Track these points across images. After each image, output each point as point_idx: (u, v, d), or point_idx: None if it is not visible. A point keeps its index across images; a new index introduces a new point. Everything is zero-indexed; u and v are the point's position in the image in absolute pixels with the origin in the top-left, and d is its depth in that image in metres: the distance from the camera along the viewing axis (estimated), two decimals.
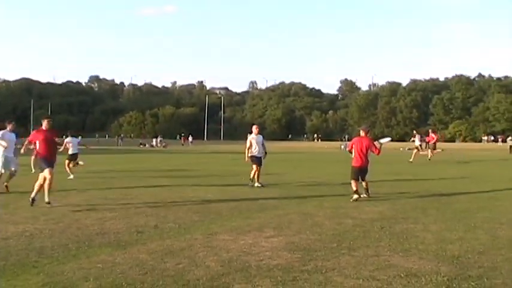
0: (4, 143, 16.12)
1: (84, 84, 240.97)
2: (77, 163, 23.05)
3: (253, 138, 18.59)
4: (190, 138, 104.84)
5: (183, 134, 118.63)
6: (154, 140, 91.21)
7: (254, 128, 18.87)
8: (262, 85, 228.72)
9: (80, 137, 33.11)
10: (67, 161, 22.03)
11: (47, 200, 13.08)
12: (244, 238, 9.04)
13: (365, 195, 14.69)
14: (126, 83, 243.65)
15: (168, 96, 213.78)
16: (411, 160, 35.31)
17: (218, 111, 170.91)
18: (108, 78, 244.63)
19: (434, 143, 38.31)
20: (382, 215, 11.82)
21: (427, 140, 39.69)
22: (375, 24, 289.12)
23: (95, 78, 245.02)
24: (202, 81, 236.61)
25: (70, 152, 22.57)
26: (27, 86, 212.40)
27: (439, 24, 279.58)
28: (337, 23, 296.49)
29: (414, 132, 43.06)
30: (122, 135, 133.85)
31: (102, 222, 10.71)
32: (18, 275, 6.75)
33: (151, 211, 12.23)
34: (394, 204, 13.58)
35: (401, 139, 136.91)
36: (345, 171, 19.28)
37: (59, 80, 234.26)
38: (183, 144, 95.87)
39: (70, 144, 22.56)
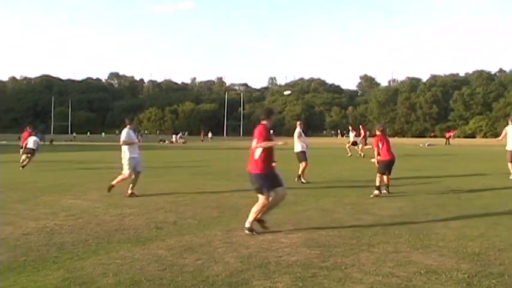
0: (134, 141, 15.33)
1: (104, 81, 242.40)
2: None
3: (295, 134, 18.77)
4: (209, 134, 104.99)
5: (202, 130, 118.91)
6: (174, 136, 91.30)
7: (298, 124, 19.01)
8: (281, 81, 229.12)
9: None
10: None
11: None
12: (263, 234, 9.03)
13: (385, 192, 14.61)
14: (146, 80, 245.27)
15: (188, 92, 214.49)
16: (349, 155, 36.22)
17: (237, 107, 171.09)
18: (128, 74, 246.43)
19: (365, 139, 38.30)
20: (401, 211, 11.75)
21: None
22: (394, 19, 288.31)
23: (114, 75, 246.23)
24: (221, 78, 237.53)
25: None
26: (47, 83, 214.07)
27: (459, 19, 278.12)
28: (357, 19, 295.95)
29: (350, 127, 42.81)
30: (146, 131, 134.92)
31: (121, 218, 10.75)
32: (39, 270, 6.80)
33: (170, 207, 12.26)
34: (414, 200, 13.49)
35: (421, 135, 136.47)
36: (364, 166, 19.29)
37: (79, 77, 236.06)
38: (202, 140, 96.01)
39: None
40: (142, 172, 15.16)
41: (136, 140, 15.52)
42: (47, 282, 6.28)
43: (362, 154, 35.20)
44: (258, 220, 9.48)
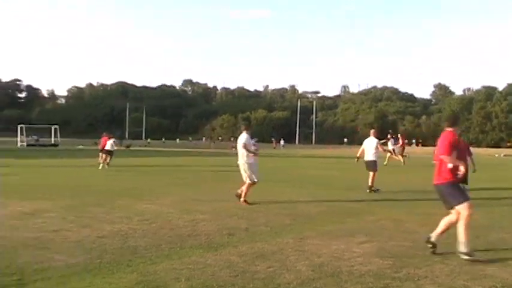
0: (254, 149, 15.17)
1: (177, 87, 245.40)
2: None
3: (365, 141, 18.64)
4: (282, 142, 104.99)
5: (273, 138, 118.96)
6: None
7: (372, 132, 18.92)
8: (354, 89, 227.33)
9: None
10: None
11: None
12: (336, 243, 8.97)
13: None
14: (219, 87, 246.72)
15: (260, 99, 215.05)
16: (385, 163, 34.77)
17: (310, 115, 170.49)
18: (201, 81, 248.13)
19: (403, 147, 38.89)
20: (477, 223, 11.46)
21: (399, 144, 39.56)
22: (470, 28, 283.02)
23: (188, 82, 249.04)
24: (294, 85, 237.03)
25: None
26: (123, 89, 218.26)
27: None
28: (431, 28, 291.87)
29: (388, 135, 40.30)
30: (220, 138, 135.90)
31: (194, 223, 10.84)
32: (113, 273, 6.92)
33: (243, 213, 12.31)
34: (490, 212, 13.17)
35: (497, 145, 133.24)
36: None
37: (154, 84, 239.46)
38: (274, 148, 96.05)
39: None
40: (255, 181, 14.73)
41: (253, 147, 15.25)
42: (121, 284, 6.39)
43: (402, 161, 35.86)
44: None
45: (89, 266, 7.20)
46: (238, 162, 14.78)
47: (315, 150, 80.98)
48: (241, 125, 15.49)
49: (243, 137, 14.75)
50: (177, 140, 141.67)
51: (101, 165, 29.40)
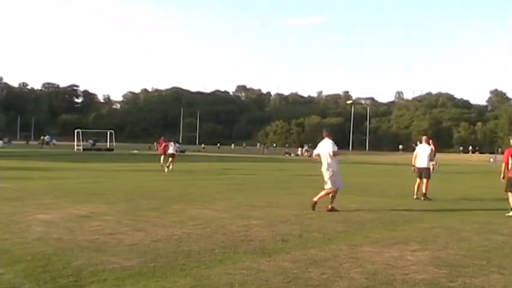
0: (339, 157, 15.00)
1: (231, 93, 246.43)
2: None
3: (418, 148, 18.46)
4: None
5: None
6: (299, 149, 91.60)
7: (425, 139, 18.72)
8: (408, 95, 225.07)
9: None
10: None
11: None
12: (389, 251, 8.88)
13: None
14: (273, 93, 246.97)
15: (314, 105, 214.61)
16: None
17: (363, 121, 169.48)
18: (255, 87, 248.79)
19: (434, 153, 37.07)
20: None
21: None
22: None
23: (242, 88, 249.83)
24: (348, 91, 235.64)
25: None
26: (177, 95, 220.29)
27: None
28: (488, 33, 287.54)
29: (418, 142, 40.35)
30: (275, 144, 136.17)
31: (247, 229, 10.87)
32: (167, 276, 6.96)
33: (296, 220, 12.28)
34: None
35: None
36: (494, 184, 18.66)
37: (208, 89, 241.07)
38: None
39: None
40: (340, 188, 14.66)
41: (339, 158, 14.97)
42: None
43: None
44: None
45: (143, 269, 7.27)
46: (322, 168, 14.54)
47: (368, 157, 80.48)
48: (323, 131, 15.23)
49: (329, 143, 14.50)
50: (232, 145, 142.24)
51: (166, 169, 31.01)
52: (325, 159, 14.35)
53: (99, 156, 53.28)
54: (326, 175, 14.34)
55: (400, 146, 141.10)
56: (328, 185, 14.32)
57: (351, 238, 10.10)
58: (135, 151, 74.42)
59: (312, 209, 13.91)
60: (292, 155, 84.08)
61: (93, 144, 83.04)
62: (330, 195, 14.27)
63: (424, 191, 17.67)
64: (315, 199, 14.17)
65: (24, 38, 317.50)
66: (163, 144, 35.53)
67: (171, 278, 6.85)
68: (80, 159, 44.94)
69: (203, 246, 8.94)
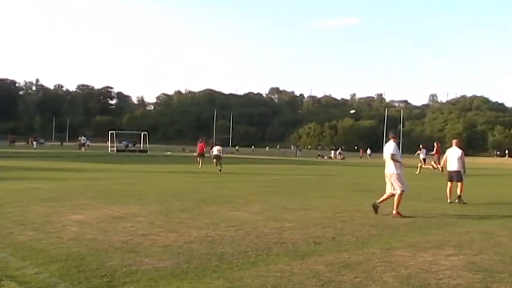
0: (399, 159, 14.56)
1: (264, 95, 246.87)
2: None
3: (449, 151, 18.30)
4: (368, 151, 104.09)
5: (355, 147, 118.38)
6: (332, 151, 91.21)
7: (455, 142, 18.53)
8: (442, 98, 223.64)
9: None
10: None
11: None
12: (423, 255, 8.80)
13: None
14: (306, 95, 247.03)
15: (347, 108, 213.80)
16: (417, 173, 36.96)
17: (397, 124, 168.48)
18: (288, 90, 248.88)
19: (438, 156, 39.73)
20: None
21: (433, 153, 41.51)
22: None
23: (275, 90, 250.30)
24: (381, 94, 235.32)
25: None
26: (210, 97, 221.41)
27: None
28: None
29: (420, 146, 43.91)
30: (309, 147, 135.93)
31: (280, 231, 10.85)
32: (200, 278, 6.99)
33: (329, 222, 12.23)
34: None
35: None
36: None
37: (241, 92, 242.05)
38: (361, 157, 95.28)
39: None
40: (406, 192, 14.34)
41: (401, 159, 14.66)
42: None
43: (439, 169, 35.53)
44: None
45: (176, 271, 7.30)
46: (386, 171, 14.41)
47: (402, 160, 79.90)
48: (389, 133, 15.16)
49: (391, 147, 14.40)
50: (267, 148, 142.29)
51: (218, 168, 33.60)
52: (389, 162, 14.27)
53: (132, 158, 53.62)
54: (392, 178, 14.20)
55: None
56: (396, 189, 14.11)
57: (385, 242, 10.04)
58: (169, 153, 74.71)
59: (375, 212, 13.91)
60: (325, 157, 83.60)
61: (127, 146, 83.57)
62: (396, 200, 14.00)
63: (458, 193, 17.51)
64: (378, 202, 14.13)
65: (60, 40, 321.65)
66: (200, 146, 39.98)
67: (204, 280, 6.88)
68: (113, 161, 45.23)
69: (236, 248, 8.95)
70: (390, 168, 14.22)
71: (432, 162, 40.06)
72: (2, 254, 8.04)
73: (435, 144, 42.73)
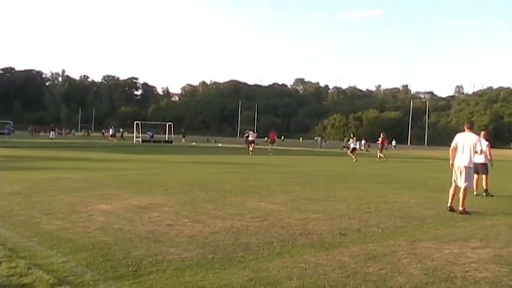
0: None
1: (289, 86, 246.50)
2: None
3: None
4: (393, 143, 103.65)
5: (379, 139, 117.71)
6: (357, 143, 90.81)
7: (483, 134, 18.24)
8: (468, 90, 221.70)
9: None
10: None
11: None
12: (449, 247, 8.76)
13: None
14: (331, 86, 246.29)
15: (372, 99, 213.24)
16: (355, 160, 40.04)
17: (422, 116, 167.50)
18: (313, 81, 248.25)
19: (382, 145, 45.54)
20: None
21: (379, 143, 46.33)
22: None
23: (300, 81, 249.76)
24: (406, 85, 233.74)
25: None
26: (235, 88, 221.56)
27: None
28: None
29: (352, 134, 48.69)
30: (333, 138, 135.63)
31: (305, 222, 10.85)
32: (226, 268, 7.02)
33: (354, 214, 12.21)
34: None
35: None
36: None
37: (266, 83, 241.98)
38: (386, 148, 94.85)
39: None
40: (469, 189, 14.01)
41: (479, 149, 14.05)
42: (233, 280, 6.46)
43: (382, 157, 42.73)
44: None
45: (201, 261, 7.33)
46: (459, 164, 13.76)
47: (427, 152, 79.44)
48: (466, 123, 14.69)
49: (475, 138, 13.94)
50: (300, 138, 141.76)
51: (250, 153, 41.86)
52: (469, 154, 13.69)
53: (158, 148, 53.80)
54: (468, 171, 13.71)
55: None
56: (462, 183, 13.61)
57: (410, 234, 10.01)
58: (193, 143, 74.92)
59: (451, 210, 13.34)
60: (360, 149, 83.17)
61: (152, 137, 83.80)
62: (462, 196, 13.45)
63: (485, 186, 17.38)
64: (461, 207, 13.37)
65: (85, 31, 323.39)
66: (272, 134, 51.57)
67: (229, 270, 6.90)
68: (139, 151, 45.44)
69: (261, 238, 8.97)
70: (466, 161, 13.68)
71: (378, 152, 45.18)
72: (29, 242, 8.12)
73: (381, 134, 47.07)
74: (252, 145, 45.69)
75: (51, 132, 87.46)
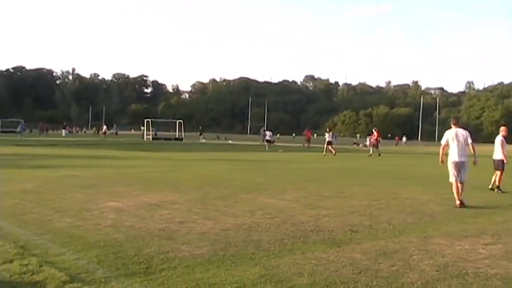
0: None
1: (299, 83, 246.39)
2: None
3: (496, 139, 18.07)
4: (404, 139, 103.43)
5: (389, 135, 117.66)
6: (368, 139, 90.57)
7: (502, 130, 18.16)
8: (479, 85, 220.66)
9: None
10: None
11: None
12: (461, 243, 8.73)
13: None
14: (341, 83, 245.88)
15: (382, 96, 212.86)
16: (324, 154, 41.98)
17: (433, 112, 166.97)
18: (323, 77, 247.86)
19: (377, 141, 44.94)
20: None
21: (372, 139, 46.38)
22: None
23: (310, 78, 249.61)
24: (417, 81, 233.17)
25: None
26: (245, 85, 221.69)
27: None
28: None
29: (328, 129, 47.88)
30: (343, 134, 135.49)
31: (316, 219, 10.84)
32: (237, 265, 7.02)
33: (365, 210, 12.20)
34: None
35: None
36: None
37: (275, 80, 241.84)
38: (396, 145, 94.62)
39: None
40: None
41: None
42: (244, 277, 6.46)
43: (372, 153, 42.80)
44: None
45: (213, 258, 7.34)
46: (456, 159, 14.02)
47: (438, 148, 79.22)
48: (453, 119, 15.01)
49: (466, 133, 14.32)
50: (315, 135, 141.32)
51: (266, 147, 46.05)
52: (463, 149, 14.07)
53: (168, 146, 53.89)
54: (466, 166, 14.10)
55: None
56: (463, 177, 13.94)
57: (421, 230, 9.98)
58: (204, 140, 74.97)
59: (462, 206, 13.39)
60: (360, 145, 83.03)
61: (155, 134, 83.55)
62: (461, 189, 13.80)
63: (497, 183, 17.33)
64: (459, 200, 13.61)
65: (95, 29, 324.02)
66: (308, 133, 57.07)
67: (240, 267, 6.91)
68: (149, 149, 45.52)
69: (272, 235, 8.97)
70: (462, 156, 14.06)
71: (368, 145, 47.04)
72: (41, 240, 8.16)
73: (374, 130, 46.74)
74: (269, 143, 49.45)
75: (63, 130, 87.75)
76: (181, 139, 77.52)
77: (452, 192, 13.80)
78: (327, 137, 45.03)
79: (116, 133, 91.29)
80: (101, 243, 7.98)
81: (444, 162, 14.33)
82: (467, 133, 14.33)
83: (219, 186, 16.22)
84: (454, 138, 14.10)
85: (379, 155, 42.64)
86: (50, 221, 9.84)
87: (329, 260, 7.37)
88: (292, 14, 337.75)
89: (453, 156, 14.03)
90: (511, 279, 6.70)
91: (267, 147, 47.94)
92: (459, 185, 13.78)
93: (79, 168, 22.24)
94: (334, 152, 41.94)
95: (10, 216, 10.17)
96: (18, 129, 76.66)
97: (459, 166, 13.91)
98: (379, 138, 46.25)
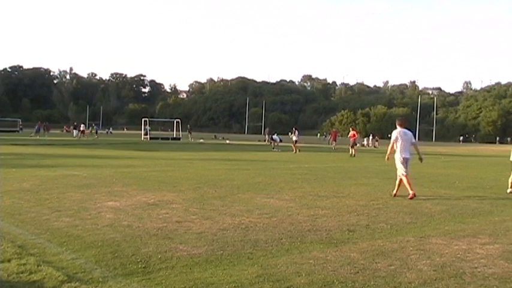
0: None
1: (297, 83, 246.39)
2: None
3: None
4: None
5: (389, 135, 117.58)
6: (365, 139, 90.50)
7: None
8: (476, 85, 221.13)
9: None
10: None
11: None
12: (458, 243, 8.75)
13: None
14: (338, 82, 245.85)
15: (380, 95, 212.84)
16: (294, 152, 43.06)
17: (430, 112, 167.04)
18: (321, 77, 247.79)
19: (354, 140, 44.74)
20: None
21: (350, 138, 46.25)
22: None
23: (307, 77, 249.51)
24: (414, 81, 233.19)
25: None
26: (243, 85, 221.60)
27: None
28: None
29: (293, 128, 50.72)
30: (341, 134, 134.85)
31: (314, 219, 10.86)
32: (234, 265, 7.04)
33: (363, 210, 12.22)
34: None
35: None
36: None
37: (273, 79, 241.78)
38: (356, 144, 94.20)
39: None
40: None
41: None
42: (242, 277, 6.48)
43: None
44: None
45: (210, 257, 7.36)
46: (405, 156, 15.20)
47: (435, 148, 79.18)
48: (398, 120, 15.89)
49: (411, 133, 15.68)
50: (318, 135, 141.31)
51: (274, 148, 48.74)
52: (408, 147, 15.26)
53: (166, 145, 53.84)
54: (408, 161, 15.19)
55: (461, 138, 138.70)
56: (408, 171, 15.12)
57: (419, 230, 10.01)
58: (201, 140, 74.90)
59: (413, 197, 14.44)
60: (357, 145, 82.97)
61: (146, 134, 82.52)
62: (407, 182, 14.90)
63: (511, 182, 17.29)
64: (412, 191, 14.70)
65: (92, 29, 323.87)
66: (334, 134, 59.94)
67: (238, 267, 6.92)
68: (147, 148, 45.46)
69: (270, 235, 9.00)
70: (408, 153, 15.29)
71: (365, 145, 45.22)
72: (39, 239, 8.17)
73: (351, 129, 49.23)
74: (276, 143, 51.02)
75: (74, 131, 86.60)
76: (179, 139, 77.39)
77: (396, 184, 15.27)
78: (293, 136, 47.49)
79: (96, 132, 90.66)
80: (99, 243, 8.00)
81: (390, 159, 15.53)
82: (411, 134, 15.71)
83: (217, 186, 16.23)
84: (400, 137, 15.18)
85: (354, 155, 41.43)
86: (47, 220, 9.85)
87: (327, 260, 7.39)
88: (290, 13, 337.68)
89: (401, 153, 15.08)
90: (508, 279, 6.72)
91: (273, 147, 50.23)
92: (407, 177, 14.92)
93: (77, 167, 22.23)
94: (295, 151, 43.74)
95: (8, 216, 10.18)
96: (35, 129, 76.21)
97: (407, 162, 15.10)
98: (355, 137, 46.25)
